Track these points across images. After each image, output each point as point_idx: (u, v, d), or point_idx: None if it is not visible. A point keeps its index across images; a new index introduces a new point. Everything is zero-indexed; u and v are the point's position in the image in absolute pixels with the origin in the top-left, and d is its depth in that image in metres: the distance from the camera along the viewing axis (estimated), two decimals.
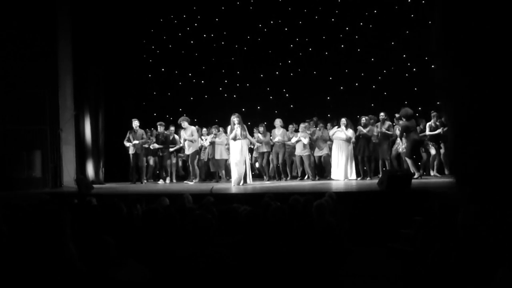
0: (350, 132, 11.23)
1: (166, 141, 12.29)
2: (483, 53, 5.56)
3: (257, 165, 12.49)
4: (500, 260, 2.57)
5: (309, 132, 11.77)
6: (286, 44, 13.99)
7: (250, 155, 11.59)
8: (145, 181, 12.51)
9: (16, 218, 4.01)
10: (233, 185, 10.37)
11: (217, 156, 11.97)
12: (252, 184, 10.72)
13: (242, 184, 10.38)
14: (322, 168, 12.03)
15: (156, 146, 12.28)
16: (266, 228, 4.17)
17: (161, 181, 12.55)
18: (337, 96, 13.61)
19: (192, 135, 11.91)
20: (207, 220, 3.24)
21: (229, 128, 10.65)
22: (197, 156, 12.19)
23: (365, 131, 11.21)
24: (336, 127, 11.44)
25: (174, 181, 12.62)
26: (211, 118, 12.98)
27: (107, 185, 12.43)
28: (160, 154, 12.39)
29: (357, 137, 11.33)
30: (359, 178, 11.33)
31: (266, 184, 11.21)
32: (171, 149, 12.33)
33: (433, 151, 11.27)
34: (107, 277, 2.62)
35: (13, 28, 11.22)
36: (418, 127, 11.34)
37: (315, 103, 13.46)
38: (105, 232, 3.17)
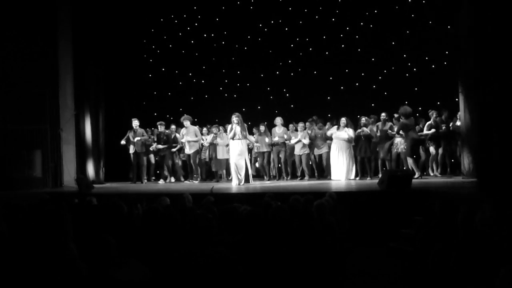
0: (351, 132, 11.23)
1: (168, 140, 12.30)
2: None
3: (257, 165, 12.49)
4: (501, 260, 2.57)
5: (309, 131, 11.77)
6: (287, 44, 13.98)
7: (249, 155, 11.60)
8: (145, 180, 12.51)
9: (16, 218, 4.01)
10: (233, 185, 10.38)
11: (219, 156, 11.98)
12: (253, 184, 10.71)
13: (243, 184, 10.38)
14: (322, 167, 12.03)
15: (160, 146, 12.28)
16: (266, 227, 4.17)
17: (161, 181, 12.56)
18: (338, 96, 13.61)
19: (196, 136, 11.93)
20: (208, 220, 3.24)
21: (228, 127, 10.67)
22: (198, 156, 12.21)
23: (368, 131, 11.21)
24: (335, 126, 11.41)
25: (173, 180, 12.60)
26: (211, 117, 12.98)
27: (108, 184, 12.43)
28: (162, 154, 12.40)
29: (357, 137, 11.32)
30: (357, 178, 11.32)
31: (267, 183, 11.22)
32: (173, 150, 12.32)
33: (433, 150, 11.27)
34: (108, 276, 2.62)
35: (14, 28, 11.23)
36: (418, 126, 11.35)
37: (316, 103, 13.46)
38: (106, 232, 3.17)
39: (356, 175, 11.37)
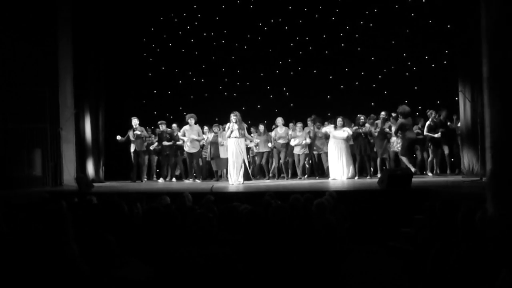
0: (349, 130, 11.23)
1: (172, 138, 12.30)
2: None
3: (258, 161, 12.48)
4: (502, 260, 2.57)
5: (309, 131, 11.77)
6: (287, 43, 13.98)
7: (248, 155, 11.60)
8: (145, 179, 12.51)
9: (17, 218, 4.01)
10: (231, 184, 10.38)
11: (222, 155, 11.95)
12: (252, 183, 10.71)
13: (242, 183, 10.38)
14: (322, 167, 12.03)
15: (166, 143, 12.27)
16: (266, 227, 4.17)
17: (161, 180, 12.55)
18: (338, 95, 13.60)
19: (199, 135, 11.93)
20: (208, 219, 3.24)
21: (226, 126, 10.68)
22: (199, 155, 12.23)
23: (366, 130, 11.23)
24: (332, 125, 11.39)
25: (174, 180, 12.60)
26: (211, 116, 12.98)
27: (107, 183, 12.43)
28: (165, 153, 12.41)
29: (357, 135, 11.33)
30: (356, 177, 11.32)
31: (266, 182, 11.22)
32: (178, 143, 12.26)
33: (434, 150, 11.26)
34: (110, 276, 2.62)
35: (14, 27, 11.22)
36: (416, 126, 11.34)
37: (315, 102, 13.46)
38: (106, 231, 3.17)
39: (355, 175, 11.37)
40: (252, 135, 11.94)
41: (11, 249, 2.74)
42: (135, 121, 12.17)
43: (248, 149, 11.92)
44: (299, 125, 11.83)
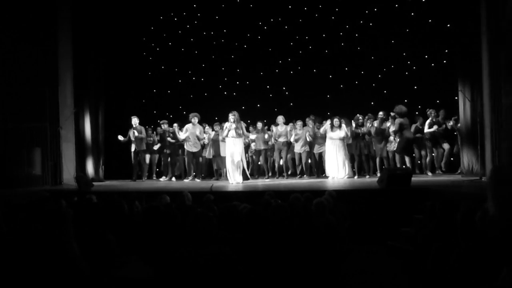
0: (346, 129, 11.23)
1: (174, 137, 12.29)
2: None
3: (255, 160, 12.48)
4: (502, 260, 2.57)
5: (308, 130, 11.77)
6: (286, 42, 13.97)
7: (246, 154, 11.60)
8: (145, 178, 12.51)
9: (17, 217, 4.01)
10: (230, 183, 10.38)
11: (222, 153, 11.94)
12: (252, 182, 10.71)
13: (242, 182, 10.38)
14: (322, 166, 12.02)
15: (170, 139, 12.27)
16: (266, 226, 4.18)
17: (162, 178, 12.56)
18: (337, 94, 13.60)
19: (201, 134, 11.93)
20: (208, 218, 3.24)
21: (224, 125, 10.68)
22: (200, 155, 12.23)
23: (365, 130, 11.25)
24: (329, 125, 11.36)
25: (174, 179, 12.60)
26: (210, 116, 12.98)
27: (107, 182, 12.43)
28: (168, 152, 12.41)
29: (356, 135, 11.34)
30: (355, 177, 11.32)
31: (266, 182, 11.22)
32: (181, 137, 12.24)
33: (433, 149, 11.27)
34: (110, 275, 2.62)
35: (14, 26, 11.23)
36: (415, 125, 11.34)
37: (315, 101, 13.45)
38: (106, 230, 3.17)
39: (352, 174, 11.37)
40: (251, 134, 11.94)
41: (11, 249, 2.74)
42: (135, 120, 12.18)
43: (247, 147, 11.92)
44: (299, 123, 11.83)
